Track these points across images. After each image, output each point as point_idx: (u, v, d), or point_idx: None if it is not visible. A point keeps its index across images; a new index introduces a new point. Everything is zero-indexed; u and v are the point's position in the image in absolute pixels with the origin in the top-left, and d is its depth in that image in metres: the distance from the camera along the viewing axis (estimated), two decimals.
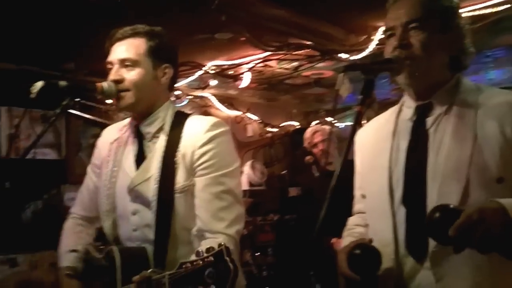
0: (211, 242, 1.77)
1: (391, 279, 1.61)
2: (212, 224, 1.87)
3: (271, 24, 3.72)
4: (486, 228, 1.32)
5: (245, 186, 5.94)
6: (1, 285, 3.78)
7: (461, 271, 1.51)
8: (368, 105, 1.47)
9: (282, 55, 4.48)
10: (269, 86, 5.70)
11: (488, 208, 1.36)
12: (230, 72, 4.96)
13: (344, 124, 6.14)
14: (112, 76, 1.93)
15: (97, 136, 2.22)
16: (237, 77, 5.07)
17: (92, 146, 2.22)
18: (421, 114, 1.68)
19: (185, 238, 1.91)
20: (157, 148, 1.96)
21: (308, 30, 3.91)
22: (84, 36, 3.45)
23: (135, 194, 1.95)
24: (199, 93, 5.65)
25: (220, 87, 5.54)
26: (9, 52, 3.87)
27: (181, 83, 4.88)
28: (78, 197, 2.22)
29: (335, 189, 1.37)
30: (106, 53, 1.98)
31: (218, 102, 5.95)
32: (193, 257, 1.47)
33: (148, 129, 2.00)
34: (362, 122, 1.92)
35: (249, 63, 4.68)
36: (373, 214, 1.76)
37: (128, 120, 2.11)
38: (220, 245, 1.45)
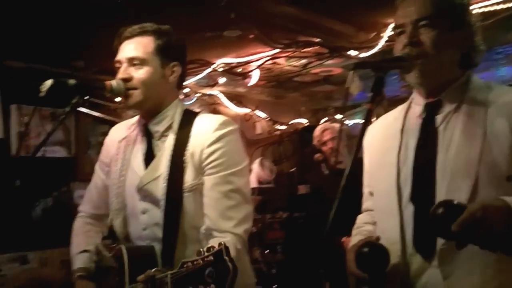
0: (218, 241, 1.78)
1: (398, 277, 1.60)
2: (220, 223, 1.87)
3: (280, 21, 3.71)
4: (489, 225, 1.33)
5: (254, 183, 5.94)
6: (13, 282, 3.80)
7: (469, 269, 1.50)
8: (378, 103, 1.46)
9: (291, 53, 4.47)
10: (277, 83, 5.69)
11: (492, 205, 1.36)
12: (239, 69, 4.96)
13: (353, 121, 6.12)
14: (121, 74, 1.94)
15: (106, 134, 2.23)
16: (245, 75, 5.06)
17: (101, 144, 2.23)
18: (430, 112, 1.67)
19: (194, 236, 1.91)
20: (166, 147, 1.96)
21: (317, 27, 3.90)
22: (93, 34, 3.46)
23: (144, 193, 1.96)
24: (207, 91, 5.65)
25: (228, 85, 5.53)
26: (19, 50, 3.89)
27: (190, 81, 4.88)
28: (86, 195, 2.23)
29: (345, 188, 1.36)
30: (115, 51, 1.99)
31: (227, 100, 5.95)
32: (194, 257, 1.47)
33: (157, 127, 2.00)
34: (372, 119, 1.91)
35: (257, 60, 4.67)
36: (380, 212, 1.75)
37: (136, 118, 2.11)
38: (220, 244, 1.45)
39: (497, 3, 3.49)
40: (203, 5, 3.28)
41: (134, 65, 1.94)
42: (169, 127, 1.99)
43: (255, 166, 6.13)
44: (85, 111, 4.19)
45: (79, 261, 2.01)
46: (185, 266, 1.45)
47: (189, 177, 1.91)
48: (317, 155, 4.23)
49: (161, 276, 1.51)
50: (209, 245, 1.47)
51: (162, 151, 1.97)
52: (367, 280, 1.59)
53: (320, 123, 5.35)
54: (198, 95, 5.66)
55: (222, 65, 4.75)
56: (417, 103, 1.72)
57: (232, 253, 1.75)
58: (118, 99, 1.97)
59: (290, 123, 6.88)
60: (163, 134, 1.99)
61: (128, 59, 1.94)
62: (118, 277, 1.80)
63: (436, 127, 1.64)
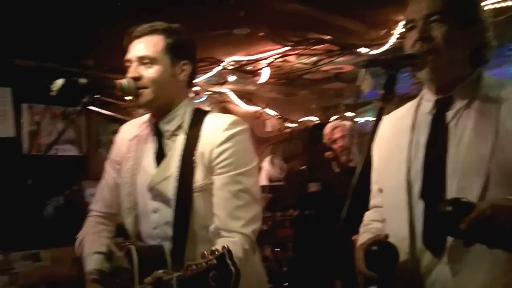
0: (225, 241, 1.79)
1: (407, 273, 1.60)
2: (228, 223, 1.87)
3: (290, 19, 3.70)
4: (498, 224, 1.32)
5: (264, 181, 5.94)
6: (25, 280, 3.83)
7: (478, 266, 1.50)
8: (389, 101, 1.45)
9: (301, 50, 4.45)
10: (287, 81, 5.68)
11: (501, 204, 1.35)
12: (249, 67, 4.95)
13: (364, 118, 6.10)
14: (131, 73, 1.94)
15: (116, 132, 2.23)
16: (255, 73, 5.05)
17: (111, 142, 2.23)
18: (441, 108, 1.66)
19: (204, 236, 1.91)
20: (176, 146, 1.96)
21: (327, 24, 3.88)
22: (103, 32, 3.46)
23: (155, 193, 1.96)
24: (217, 88, 5.65)
25: (238, 83, 5.53)
26: (29, 49, 3.90)
27: (200, 79, 4.88)
28: (97, 194, 2.22)
29: (357, 187, 1.36)
30: (125, 50, 1.99)
31: (237, 98, 5.94)
32: (199, 259, 1.49)
33: (167, 127, 2.00)
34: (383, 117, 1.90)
35: (267, 58, 4.66)
36: (390, 208, 1.74)
37: (146, 116, 2.11)
38: (223, 247, 1.46)
39: None
40: (212, 3, 3.28)
41: (144, 64, 1.94)
42: (179, 127, 1.99)
43: (266, 164, 6.13)
44: (96, 110, 4.20)
45: (92, 263, 2.00)
46: (189, 268, 1.47)
47: (199, 177, 1.91)
48: (328, 153, 4.22)
49: (167, 278, 1.52)
50: (213, 248, 1.49)
51: (173, 150, 1.97)
52: (376, 279, 1.58)
53: (331, 120, 5.34)
54: (208, 93, 5.66)
55: (232, 63, 4.75)
56: (428, 99, 1.71)
57: (240, 253, 1.77)
58: (128, 97, 1.97)
59: (300, 120, 6.86)
60: (174, 133, 1.99)
61: (138, 58, 1.94)
62: (128, 277, 1.80)
63: (447, 123, 1.62)
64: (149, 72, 1.93)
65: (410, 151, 1.68)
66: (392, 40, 3.96)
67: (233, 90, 5.84)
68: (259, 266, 2.11)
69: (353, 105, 6.09)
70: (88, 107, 1.88)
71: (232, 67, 4.82)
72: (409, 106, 1.80)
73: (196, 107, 2.08)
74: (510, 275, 1.50)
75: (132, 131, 2.12)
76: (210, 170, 1.92)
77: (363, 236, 1.79)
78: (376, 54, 4.16)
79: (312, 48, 4.38)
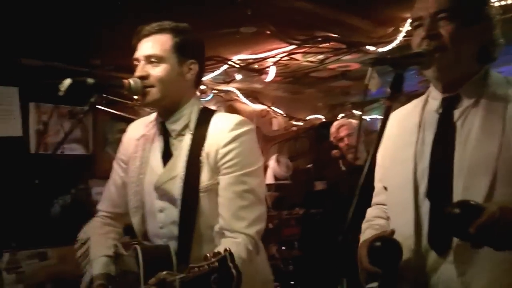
0: (229, 242, 1.79)
1: (412, 272, 1.59)
2: (232, 223, 1.88)
3: (297, 17, 3.69)
4: (506, 227, 1.32)
5: (270, 180, 5.94)
6: (32, 278, 3.84)
7: (484, 267, 1.49)
8: (396, 99, 1.45)
9: (308, 48, 4.44)
10: (294, 79, 5.66)
11: (509, 208, 1.36)
12: (255, 66, 4.94)
13: (370, 116, 6.08)
14: (138, 72, 1.94)
15: (123, 131, 2.23)
16: (262, 71, 5.05)
17: (118, 141, 2.23)
18: (448, 106, 1.65)
19: (209, 236, 1.92)
20: (183, 146, 1.97)
21: (334, 22, 3.86)
22: (109, 31, 3.47)
23: (162, 192, 1.97)
24: (224, 87, 5.64)
25: (245, 81, 5.52)
26: (35, 48, 3.91)
27: (206, 77, 4.88)
28: (104, 193, 2.22)
29: (364, 186, 1.36)
30: (133, 49, 1.99)
31: (243, 96, 5.94)
32: (201, 261, 1.49)
33: (174, 126, 2.00)
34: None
35: (274, 56, 4.65)
36: (395, 207, 1.73)
37: (153, 115, 2.11)
38: (225, 250, 1.47)
39: None
40: (219, 2, 3.27)
41: (151, 62, 1.94)
42: (186, 126, 1.99)
43: (272, 162, 6.13)
44: (103, 109, 4.21)
45: (98, 266, 1.99)
46: (191, 271, 1.48)
47: (205, 177, 1.92)
48: (335, 152, 4.21)
49: (170, 280, 1.52)
50: (216, 250, 1.51)
51: (179, 150, 1.97)
52: (379, 275, 1.58)
53: (337, 119, 5.33)
54: (214, 91, 5.66)
55: (238, 61, 4.74)
56: (434, 97, 1.70)
57: (243, 254, 1.77)
58: (135, 97, 1.97)
59: (306, 119, 6.85)
60: (180, 133, 1.99)
61: (145, 57, 1.94)
62: (134, 278, 1.81)
63: (454, 122, 1.62)
64: (156, 71, 1.93)
65: (416, 150, 1.67)
66: (399, 38, 3.95)
67: (240, 89, 5.84)
68: (264, 266, 2.11)
69: (360, 103, 6.07)
70: (95, 106, 1.88)
71: (238, 65, 4.81)
72: (415, 104, 1.79)
73: (203, 106, 2.07)
74: None
75: (139, 130, 2.12)
76: (216, 170, 1.92)
77: (366, 233, 1.78)
78: (383, 52, 4.14)
79: (319, 46, 4.37)
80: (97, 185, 4.38)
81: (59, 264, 3.99)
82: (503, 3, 3.38)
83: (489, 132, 1.54)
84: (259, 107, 6.22)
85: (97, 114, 4.51)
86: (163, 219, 1.97)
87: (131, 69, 2.00)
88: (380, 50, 4.17)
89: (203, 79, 2.10)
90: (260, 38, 4.10)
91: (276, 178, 6.12)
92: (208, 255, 1.48)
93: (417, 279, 1.59)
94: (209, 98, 5.59)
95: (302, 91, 6.36)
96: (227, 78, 5.28)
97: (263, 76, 5.14)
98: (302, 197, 5.87)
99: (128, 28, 2.01)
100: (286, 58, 4.68)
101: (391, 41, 4.01)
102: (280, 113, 6.52)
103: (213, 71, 4.81)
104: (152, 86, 1.93)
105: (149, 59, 1.94)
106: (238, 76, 5.19)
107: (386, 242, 1.57)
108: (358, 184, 1.36)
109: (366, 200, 1.88)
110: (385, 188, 1.81)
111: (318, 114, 6.94)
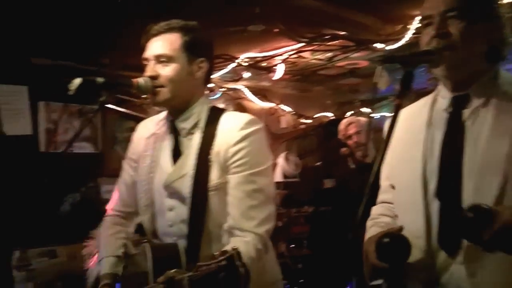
0: (238, 240, 1.79)
1: (423, 271, 1.58)
2: (241, 222, 1.88)
3: (305, 15, 3.68)
4: None
5: (279, 177, 5.93)
6: (42, 276, 3.86)
7: (496, 268, 1.48)
8: (405, 97, 1.44)
9: (316, 46, 4.43)
10: (302, 77, 5.66)
11: None
12: (263, 64, 4.94)
13: (379, 114, 6.06)
14: (148, 72, 1.94)
15: (132, 129, 2.24)
16: (270, 69, 5.04)
17: (127, 140, 2.24)
18: (457, 106, 1.63)
19: (219, 234, 1.92)
20: (193, 145, 1.97)
21: (343, 20, 3.85)
22: (118, 30, 3.48)
23: (171, 191, 1.97)
24: (232, 85, 5.65)
25: (253, 79, 5.52)
26: (45, 47, 3.93)
27: (214, 75, 4.88)
28: (115, 193, 2.22)
29: (374, 185, 1.35)
30: (142, 48, 1.99)
31: (252, 94, 5.93)
32: (209, 260, 1.49)
33: (183, 125, 2.00)
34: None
35: (282, 54, 4.64)
36: (404, 206, 1.72)
37: (163, 114, 2.11)
38: (233, 249, 1.47)
39: None
40: (227, 0, 3.27)
41: (161, 62, 1.94)
42: (195, 125, 1.99)
43: (280, 160, 6.12)
44: (112, 107, 4.22)
45: (107, 266, 1.99)
46: (200, 269, 1.48)
47: (214, 176, 1.92)
48: (343, 149, 4.21)
49: (179, 278, 1.53)
50: (224, 249, 1.51)
51: (189, 149, 1.97)
52: (387, 271, 1.57)
53: (346, 116, 5.32)
54: (222, 89, 5.66)
55: (247, 59, 4.74)
56: (443, 96, 1.69)
57: (252, 253, 1.77)
58: (144, 96, 1.98)
59: (315, 116, 6.84)
60: (190, 132, 2.00)
61: (155, 57, 1.94)
62: (143, 275, 1.81)
63: (463, 121, 1.60)
64: (166, 71, 1.93)
65: (425, 148, 1.66)
66: (408, 35, 3.93)
67: (248, 87, 5.83)
68: (273, 264, 2.11)
69: (369, 101, 6.05)
70: (105, 105, 1.88)
71: (247, 63, 4.81)
72: (424, 102, 1.78)
73: (212, 105, 2.07)
74: None
75: (149, 129, 2.13)
76: (225, 169, 1.92)
77: (371, 230, 1.76)
78: (393, 49, 4.12)
79: (327, 44, 4.36)
80: (106, 183, 4.40)
81: (68, 262, 4.01)
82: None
83: (501, 132, 1.52)
84: (267, 105, 6.21)
85: (106, 113, 4.53)
86: (172, 217, 1.97)
87: (139, 68, 2.00)
88: (389, 47, 4.15)
89: (212, 77, 2.09)
90: (268, 36, 4.10)
91: (284, 176, 6.11)
92: (216, 254, 1.49)
93: (427, 279, 1.58)
94: (217, 96, 5.59)
95: (310, 89, 6.35)
96: (236, 76, 5.28)
97: (271, 74, 5.14)
98: (311, 195, 5.86)
99: (137, 27, 2.01)
100: (295, 56, 4.68)
101: (400, 39, 4.00)
102: (289, 111, 6.52)
103: (221, 69, 4.82)
104: (162, 86, 1.93)
105: (158, 58, 1.94)
106: (247, 74, 5.19)
107: (394, 238, 1.56)
108: (368, 183, 1.36)
109: (375, 198, 1.87)
110: (392, 187, 1.80)
111: (327, 111, 6.93)
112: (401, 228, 1.61)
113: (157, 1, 3.05)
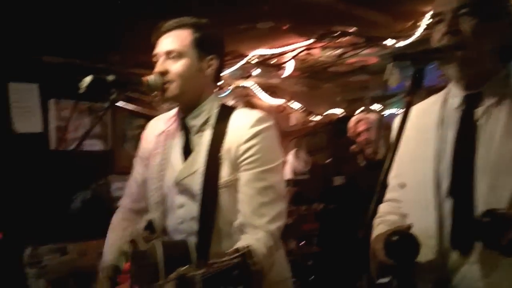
0: (249, 238, 1.79)
1: (433, 271, 1.57)
2: (252, 219, 1.87)
3: (314, 12, 3.67)
4: None
5: (288, 175, 5.93)
6: (54, 273, 3.89)
7: (510, 268, 1.45)
8: (416, 94, 1.43)
9: (326, 43, 4.42)
10: (312, 74, 5.64)
11: None
12: (273, 61, 4.93)
13: (389, 111, 6.03)
14: (158, 68, 1.95)
15: (142, 127, 2.25)
16: (280, 66, 5.03)
17: (137, 137, 2.25)
18: (469, 104, 1.61)
19: (229, 232, 1.92)
20: (203, 142, 1.97)
21: (352, 16, 3.84)
22: (129, 28, 3.48)
23: (182, 188, 1.97)
24: (241, 82, 5.64)
25: (262, 76, 5.51)
26: (55, 45, 3.95)
27: (224, 73, 4.86)
28: (126, 190, 2.25)
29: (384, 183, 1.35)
30: (152, 46, 1.99)
31: (261, 91, 5.93)
32: (221, 257, 1.49)
33: (194, 122, 2.00)
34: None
35: (292, 51, 4.63)
36: (414, 204, 1.70)
37: (174, 111, 2.12)
38: (245, 246, 1.48)
39: None
40: None
41: (171, 58, 1.94)
42: (206, 122, 1.99)
43: (290, 157, 6.12)
44: (122, 105, 4.24)
45: (110, 257, 2.02)
46: (212, 266, 1.48)
47: (225, 173, 1.92)
48: (353, 147, 4.19)
49: (191, 275, 1.53)
50: (236, 247, 1.51)
51: (199, 146, 1.97)
52: (395, 269, 1.56)
53: (356, 113, 5.30)
54: (232, 87, 5.66)
55: (256, 56, 4.74)
56: (455, 94, 1.67)
57: (264, 250, 1.77)
58: (154, 93, 1.98)
59: (324, 114, 6.82)
60: (200, 129, 2.00)
61: (165, 53, 1.95)
62: (153, 272, 1.82)
63: (476, 120, 1.59)
64: (176, 66, 1.94)
65: (437, 147, 1.65)
66: (418, 32, 3.90)
67: (257, 84, 5.83)
68: (282, 262, 2.11)
69: (379, 98, 6.03)
70: (115, 103, 1.89)
71: (256, 60, 4.80)
72: (434, 100, 1.76)
73: (223, 102, 2.07)
74: None
75: (160, 126, 2.13)
76: (236, 166, 1.92)
77: (378, 228, 1.75)
78: (403, 46, 4.10)
79: (337, 41, 4.34)
80: (116, 181, 4.42)
81: (79, 258, 4.04)
82: None
83: None
84: (277, 102, 6.20)
85: (116, 110, 4.55)
86: (183, 214, 1.98)
87: (151, 66, 2.00)
88: (399, 44, 4.13)
89: (221, 74, 2.10)
90: (277, 33, 4.09)
91: (294, 173, 6.11)
92: (228, 251, 1.49)
93: (438, 279, 1.57)
94: (226, 93, 5.59)
95: (320, 86, 6.33)
96: (245, 73, 5.28)
97: (281, 71, 5.13)
98: (321, 193, 5.85)
99: (147, 24, 2.02)
100: (304, 53, 4.67)
101: (410, 35, 3.98)
102: (298, 108, 6.50)
103: (231, 67, 4.81)
104: (171, 82, 1.93)
105: (169, 54, 1.95)
106: (256, 71, 5.19)
107: (404, 236, 1.55)
108: (378, 180, 1.35)
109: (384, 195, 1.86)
110: (401, 185, 1.78)
111: (337, 108, 6.90)
112: (409, 226, 1.59)
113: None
